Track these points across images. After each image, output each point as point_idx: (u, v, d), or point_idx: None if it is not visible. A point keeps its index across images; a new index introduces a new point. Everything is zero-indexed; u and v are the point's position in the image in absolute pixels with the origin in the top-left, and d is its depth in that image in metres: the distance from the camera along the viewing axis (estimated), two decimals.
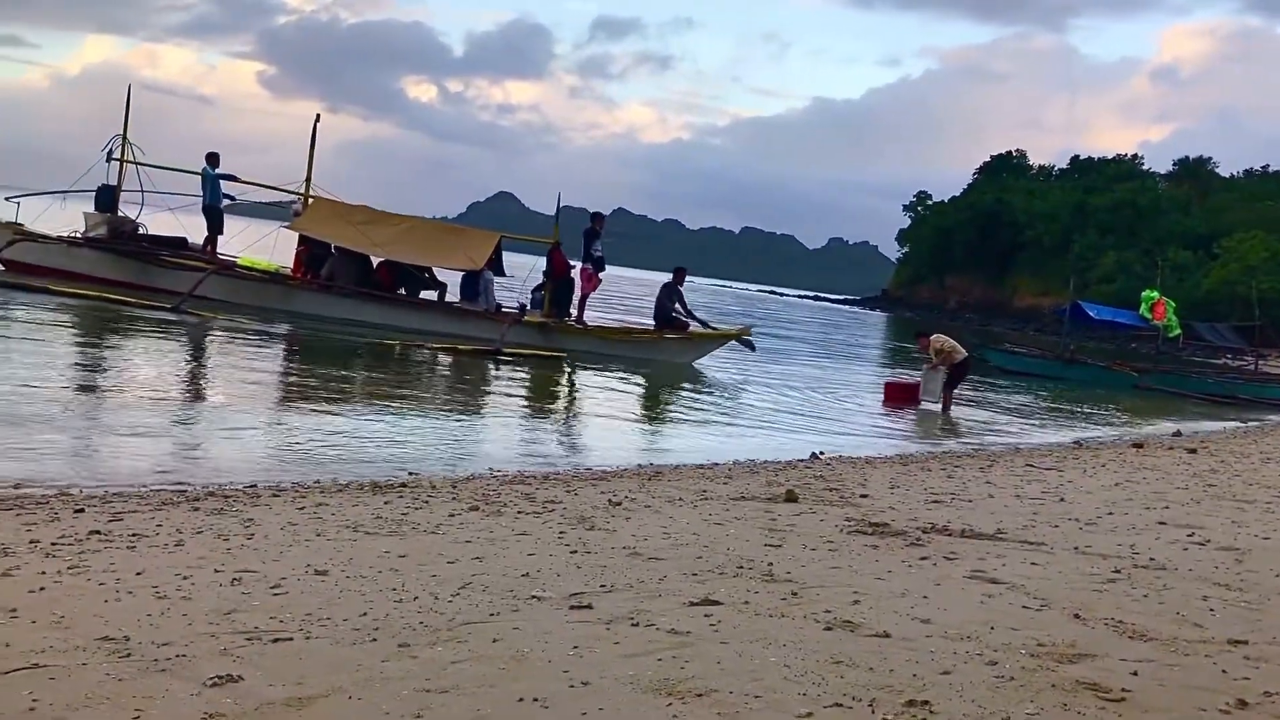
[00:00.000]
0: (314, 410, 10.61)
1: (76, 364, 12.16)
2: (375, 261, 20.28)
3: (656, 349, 19.95)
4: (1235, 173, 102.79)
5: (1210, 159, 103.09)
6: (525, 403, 14.37)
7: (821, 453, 10.90)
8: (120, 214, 20.05)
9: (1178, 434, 16.50)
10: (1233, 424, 20.49)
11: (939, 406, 16.61)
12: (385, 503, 6.31)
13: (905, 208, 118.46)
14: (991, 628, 4.27)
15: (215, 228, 20.48)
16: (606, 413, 13.69)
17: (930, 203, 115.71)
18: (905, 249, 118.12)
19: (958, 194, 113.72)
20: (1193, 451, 12.92)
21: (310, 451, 8.41)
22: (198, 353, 14.63)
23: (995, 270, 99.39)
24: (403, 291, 20.41)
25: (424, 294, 20.63)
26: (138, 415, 9.04)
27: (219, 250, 20.41)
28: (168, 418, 9.21)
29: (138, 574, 4.33)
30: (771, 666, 3.65)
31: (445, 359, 16.73)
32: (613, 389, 16.25)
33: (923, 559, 5.56)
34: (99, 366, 12.39)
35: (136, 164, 20.13)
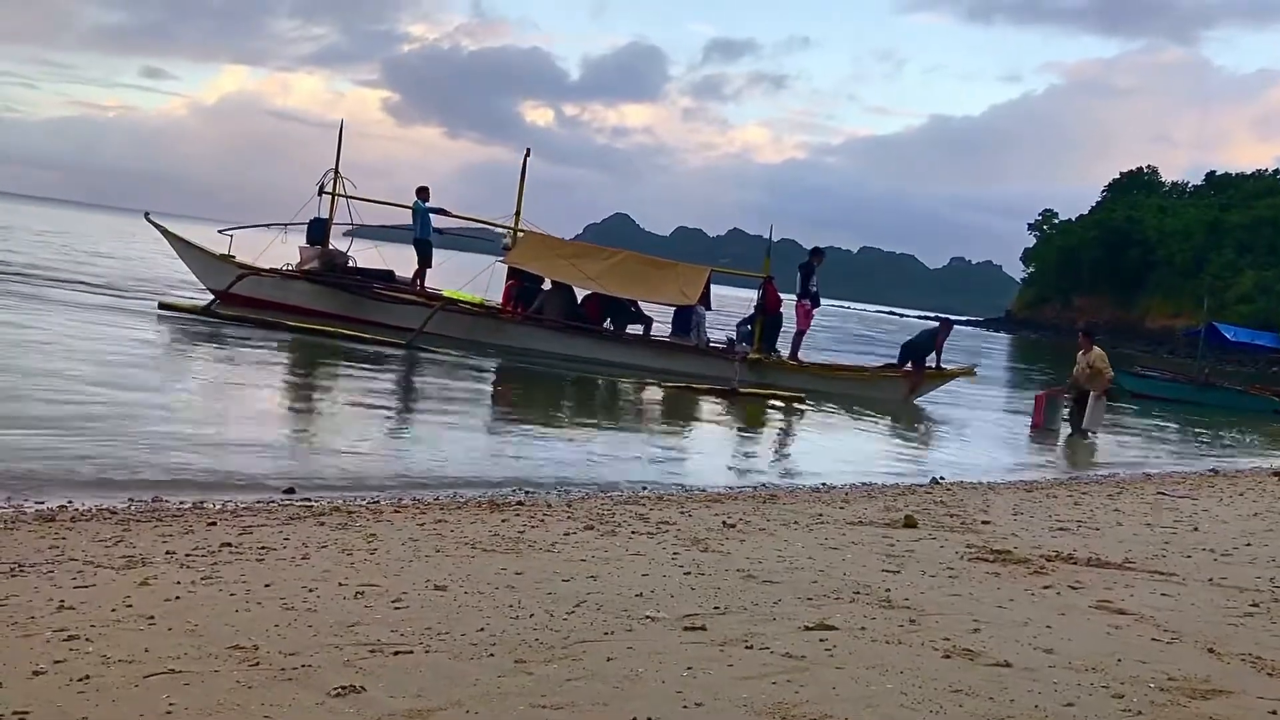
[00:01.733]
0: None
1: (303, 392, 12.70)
2: (580, 296, 20.28)
3: (875, 387, 19.42)
4: None
5: None
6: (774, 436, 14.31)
7: (942, 478, 10.70)
8: (331, 247, 20.38)
9: None
10: None
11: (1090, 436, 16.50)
12: (503, 520, 6.40)
13: (1030, 226, 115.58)
14: (1118, 660, 4.13)
15: (425, 261, 20.76)
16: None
17: (1057, 221, 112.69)
18: (1030, 268, 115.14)
19: (1085, 212, 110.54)
20: None
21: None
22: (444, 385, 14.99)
23: (1125, 290, 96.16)
24: (610, 325, 20.33)
25: (630, 328, 20.44)
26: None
27: (427, 283, 20.74)
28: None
29: (266, 585, 4.48)
30: (888, 694, 3.60)
31: (655, 394, 16.59)
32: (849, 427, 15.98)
33: (1046, 588, 5.41)
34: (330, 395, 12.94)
35: (348, 197, 20.32)
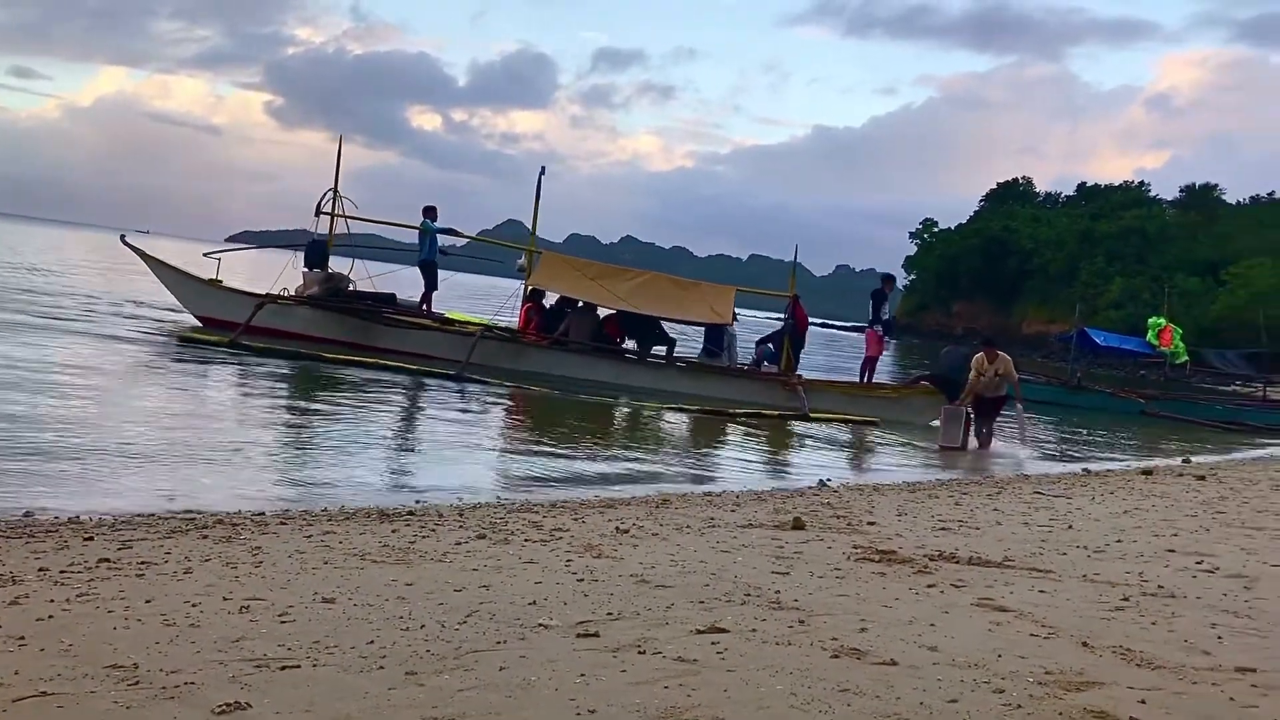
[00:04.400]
0: None
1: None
2: (601, 316, 19.69)
3: (902, 406, 18.92)
4: (1242, 199, 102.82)
5: (1217, 186, 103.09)
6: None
7: (829, 480, 10.89)
8: (332, 270, 19.34)
9: (1186, 461, 16.44)
10: (1242, 451, 20.42)
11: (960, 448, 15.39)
12: (393, 530, 6.32)
13: (912, 235, 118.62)
14: (999, 655, 4.27)
15: (431, 283, 20.08)
16: None
17: (937, 230, 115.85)
18: (912, 276, 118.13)
19: (964, 221, 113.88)
20: (1201, 479, 12.87)
21: None
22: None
23: (1002, 297, 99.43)
24: (633, 346, 19.83)
25: (655, 349, 19.89)
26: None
27: (433, 306, 20.07)
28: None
29: (147, 602, 4.34)
30: (778, 695, 3.65)
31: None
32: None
33: (930, 586, 5.56)
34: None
35: (347, 217, 19.31)
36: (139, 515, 6.42)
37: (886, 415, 18.27)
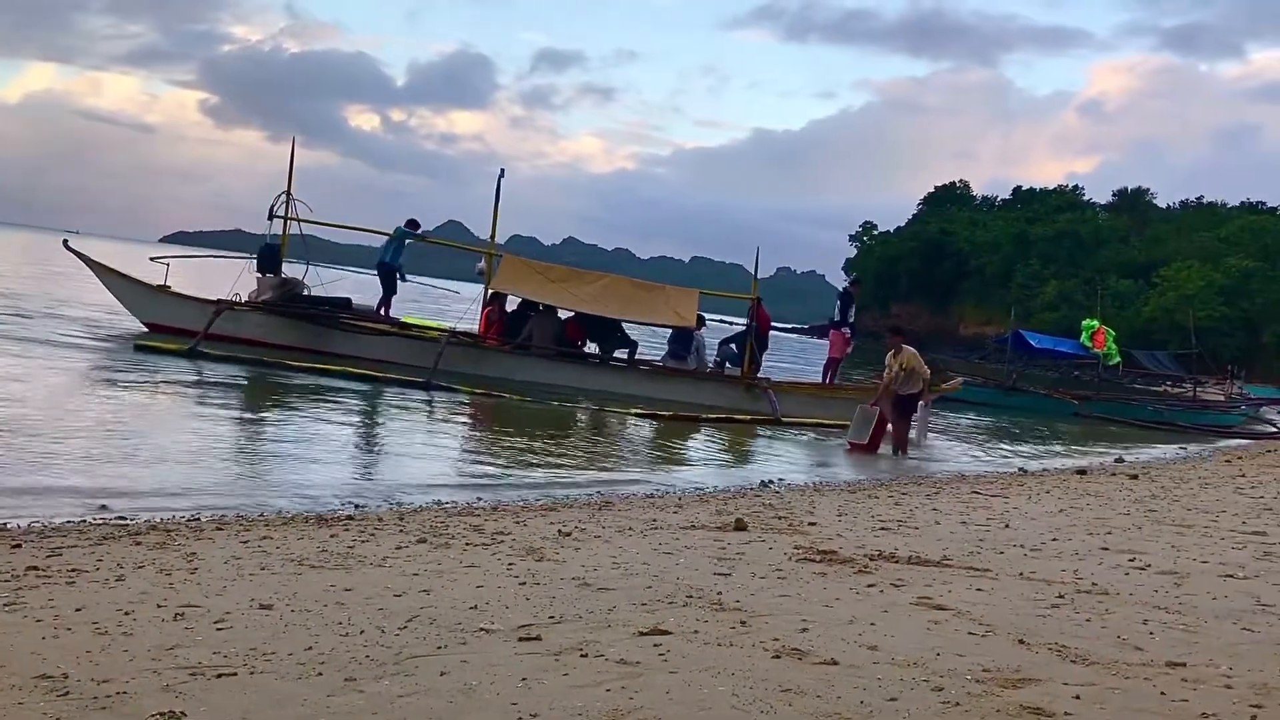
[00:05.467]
0: None
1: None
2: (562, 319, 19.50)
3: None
4: (1171, 203, 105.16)
5: (1148, 190, 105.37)
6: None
7: (771, 481, 10.95)
8: (286, 275, 18.88)
9: (1120, 461, 16.77)
10: (1172, 450, 20.87)
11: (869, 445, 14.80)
12: (331, 535, 6.24)
13: (851, 237, 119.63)
14: (938, 654, 4.31)
15: (390, 288, 19.88)
16: None
17: (876, 233, 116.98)
18: (852, 277, 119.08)
19: (902, 224, 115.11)
20: (1134, 478, 13.14)
21: None
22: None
23: (940, 299, 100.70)
24: (595, 349, 19.68)
25: (617, 352, 19.76)
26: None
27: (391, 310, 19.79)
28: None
29: (77, 610, 4.25)
30: (720, 696, 3.66)
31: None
32: None
33: (870, 586, 5.60)
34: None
35: (300, 220, 18.91)
36: (69, 522, 6.29)
37: (850, 416, 17.97)
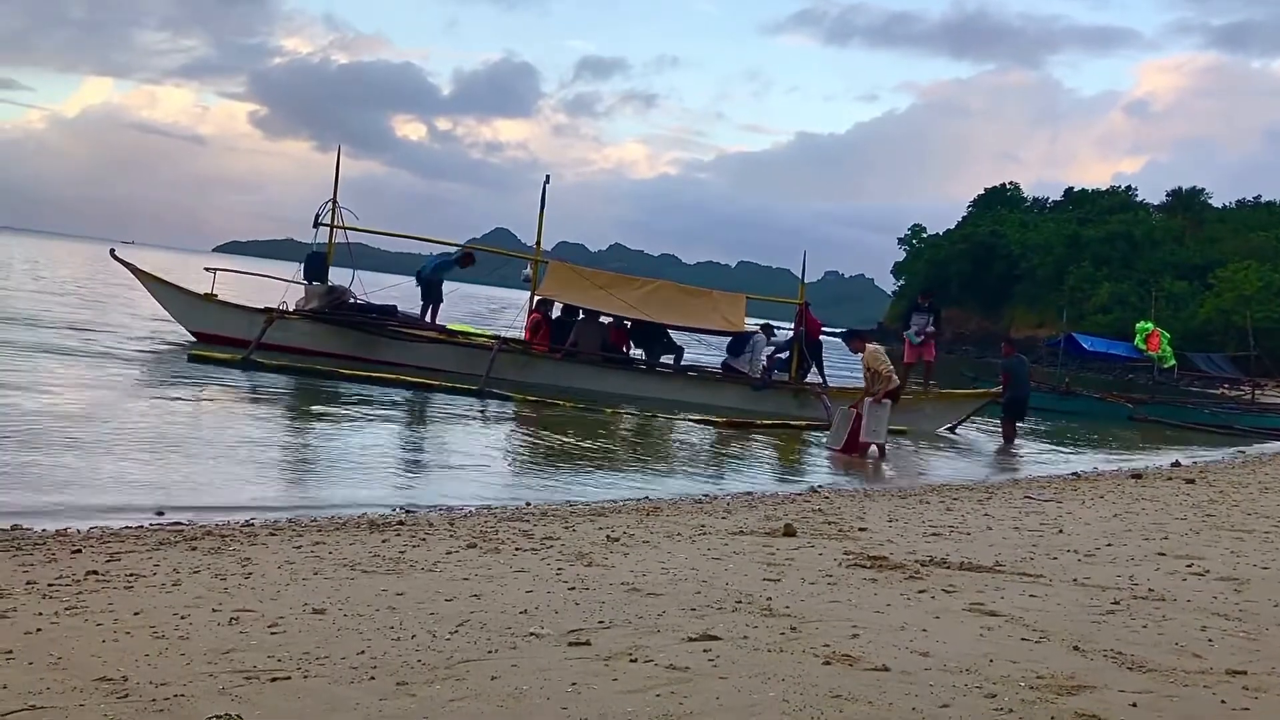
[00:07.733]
0: None
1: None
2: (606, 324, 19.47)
3: (913, 412, 18.07)
4: (1227, 203, 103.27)
5: (1203, 190, 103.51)
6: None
7: (820, 486, 10.90)
8: (333, 283, 18.95)
9: (1176, 465, 16.48)
10: (1231, 454, 20.48)
11: (878, 448, 14.48)
12: (383, 540, 6.30)
13: (900, 240, 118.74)
14: (990, 660, 4.27)
15: (435, 297, 20.11)
16: None
17: (925, 235, 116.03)
18: (901, 281, 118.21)
19: (951, 226, 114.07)
20: (1191, 482, 12.91)
21: None
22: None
23: (991, 302, 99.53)
24: (641, 355, 19.66)
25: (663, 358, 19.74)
26: None
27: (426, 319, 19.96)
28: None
29: (135, 614, 4.32)
30: (770, 702, 3.65)
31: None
32: None
33: (921, 592, 5.56)
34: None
35: (346, 229, 18.84)
36: (127, 527, 6.39)
37: (904, 422, 17.45)
